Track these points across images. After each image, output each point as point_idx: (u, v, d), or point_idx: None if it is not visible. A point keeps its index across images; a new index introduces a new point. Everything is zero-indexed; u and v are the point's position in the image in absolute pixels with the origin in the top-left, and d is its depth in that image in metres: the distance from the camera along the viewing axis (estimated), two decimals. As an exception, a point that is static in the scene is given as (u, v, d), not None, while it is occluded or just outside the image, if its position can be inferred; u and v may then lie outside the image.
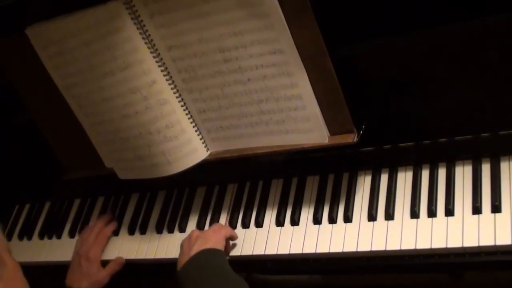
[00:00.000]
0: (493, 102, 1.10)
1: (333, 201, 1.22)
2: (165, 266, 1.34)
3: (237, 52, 1.10)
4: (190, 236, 1.23)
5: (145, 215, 1.42)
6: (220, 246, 1.19)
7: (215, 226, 1.26)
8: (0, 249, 0.95)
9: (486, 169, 1.12)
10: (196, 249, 1.17)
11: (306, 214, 1.23)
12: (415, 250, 1.09)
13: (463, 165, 1.15)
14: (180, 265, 1.18)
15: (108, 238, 1.41)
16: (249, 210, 1.29)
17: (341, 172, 1.25)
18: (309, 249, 1.18)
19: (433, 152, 1.17)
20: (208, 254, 1.16)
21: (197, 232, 1.24)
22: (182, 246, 1.23)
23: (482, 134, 1.11)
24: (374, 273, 1.17)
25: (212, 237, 1.20)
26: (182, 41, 1.14)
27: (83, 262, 1.34)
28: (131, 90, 1.19)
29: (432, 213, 1.11)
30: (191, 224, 1.34)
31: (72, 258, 1.38)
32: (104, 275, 1.34)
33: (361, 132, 1.13)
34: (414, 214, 1.13)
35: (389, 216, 1.15)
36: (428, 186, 1.15)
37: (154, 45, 1.16)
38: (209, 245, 1.18)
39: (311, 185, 1.27)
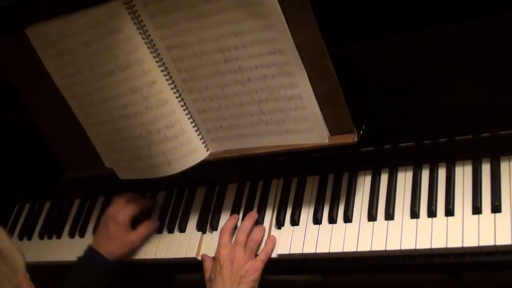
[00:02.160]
0: (493, 102, 1.10)
1: (333, 201, 1.22)
2: (165, 266, 1.34)
3: (237, 52, 1.10)
4: (231, 258, 1.18)
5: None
6: (256, 285, 1.17)
7: (260, 260, 1.19)
8: (19, 275, 0.91)
9: (486, 169, 1.12)
10: None
11: (306, 214, 1.23)
12: (415, 250, 1.09)
13: (463, 165, 1.15)
14: None
15: (141, 211, 1.36)
16: (249, 210, 1.29)
17: (341, 172, 1.25)
18: (309, 249, 1.18)
19: (433, 152, 1.17)
20: None
21: (239, 257, 1.18)
22: (220, 262, 1.19)
23: (482, 134, 1.11)
24: (374, 273, 1.17)
25: (251, 279, 1.16)
26: (182, 41, 1.14)
27: (110, 223, 1.31)
28: (131, 90, 1.19)
29: (432, 213, 1.11)
30: (191, 224, 1.34)
31: (101, 220, 1.36)
32: (133, 238, 1.31)
33: (361, 132, 1.13)
34: (414, 214, 1.13)
35: (389, 216, 1.15)
36: (428, 186, 1.15)
37: (154, 45, 1.16)
38: None
39: (311, 185, 1.27)
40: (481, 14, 1.04)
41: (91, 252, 1.31)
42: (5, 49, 1.28)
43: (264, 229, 1.24)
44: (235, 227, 1.26)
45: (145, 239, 1.36)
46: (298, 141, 1.16)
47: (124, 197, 1.35)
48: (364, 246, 1.13)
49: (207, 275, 1.21)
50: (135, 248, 1.33)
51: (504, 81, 1.08)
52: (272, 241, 1.22)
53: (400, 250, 1.10)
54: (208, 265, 1.22)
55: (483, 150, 1.13)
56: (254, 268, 1.17)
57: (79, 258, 1.33)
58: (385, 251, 1.11)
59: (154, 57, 1.17)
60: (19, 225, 1.59)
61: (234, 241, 1.22)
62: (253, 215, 1.25)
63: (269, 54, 1.08)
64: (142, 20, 1.14)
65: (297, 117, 1.14)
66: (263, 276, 1.18)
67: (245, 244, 1.20)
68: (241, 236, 1.21)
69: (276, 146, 1.19)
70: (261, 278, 1.18)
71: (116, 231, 1.30)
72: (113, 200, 1.37)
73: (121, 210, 1.32)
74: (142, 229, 1.33)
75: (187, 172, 1.24)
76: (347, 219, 1.18)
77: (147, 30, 1.15)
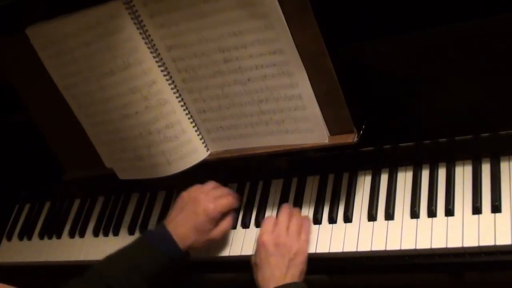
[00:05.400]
0: (493, 102, 1.10)
1: (333, 201, 1.22)
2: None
3: (237, 52, 1.10)
4: (277, 241, 1.13)
5: (145, 215, 1.42)
6: (305, 267, 1.14)
7: (304, 241, 1.15)
8: None
9: (486, 169, 1.12)
10: (290, 277, 1.10)
11: (306, 214, 1.23)
12: (415, 250, 1.09)
13: (463, 165, 1.15)
14: (267, 282, 1.10)
15: (228, 210, 1.23)
16: (249, 210, 1.29)
17: (341, 172, 1.25)
18: (309, 249, 1.18)
19: (433, 152, 1.17)
20: None
21: (285, 240, 1.14)
22: (265, 245, 1.13)
23: (482, 134, 1.11)
24: (374, 273, 1.17)
25: (301, 261, 1.13)
26: (182, 41, 1.14)
27: (201, 214, 1.17)
28: (131, 90, 1.19)
29: (432, 213, 1.11)
30: (191, 224, 1.34)
31: (184, 196, 1.22)
32: (216, 234, 1.19)
33: (361, 132, 1.13)
34: (414, 214, 1.13)
35: (389, 216, 1.15)
36: (428, 186, 1.15)
37: (154, 45, 1.16)
38: (298, 274, 1.11)
39: (311, 185, 1.27)
40: (481, 14, 1.04)
41: (164, 234, 1.16)
42: (5, 49, 1.28)
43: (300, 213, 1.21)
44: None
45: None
46: (298, 141, 1.16)
47: (220, 189, 1.24)
48: (364, 246, 1.13)
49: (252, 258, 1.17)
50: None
51: (504, 81, 1.08)
52: (308, 219, 1.19)
53: (400, 250, 1.10)
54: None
55: (483, 150, 1.13)
56: (302, 250, 1.14)
57: (145, 235, 1.19)
58: (385, 251, 1.11)
59: (154, 57, 1.17)
60: (19, 225, 1.59)
61: (276, 225, 1.18)
62: (288, 205, 1.23)
63: (269, 54, 1.08)
64: (142, 20, 1.14)
65: (297, 117, 1.14)
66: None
67: (287, 228, 1.17)
68: (283, 219, 1.18)
69: (276, 146, 1.19)
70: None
71: (204, 224, 1.17)
72: (206, 186, 1.23)
73: (216, 204, 1.19)
74: (224, 225, 1.21)
75: (187, 172, 1.24)
76: (347, 219, 1.18)
77: (147, 30, 1.15)
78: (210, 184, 1.25)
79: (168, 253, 1.15)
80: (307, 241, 1.17)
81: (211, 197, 1.20)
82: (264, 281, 1.11)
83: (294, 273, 1.11)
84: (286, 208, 1.22)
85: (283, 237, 1.15)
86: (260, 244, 1.16)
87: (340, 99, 1.10)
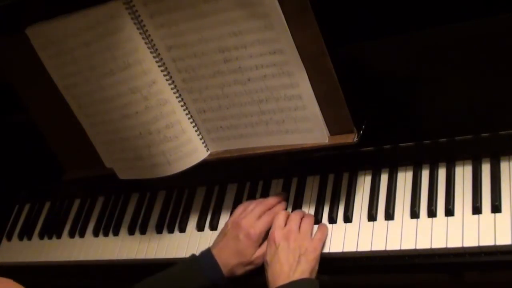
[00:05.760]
0: (493, 102, 1.10)
1: (333, 201, 1.22)
2: (165, 266, 1.34)
3: (237, 52, 1.10)
4: (288, 239, 1.11)
5: (145, 215, 1.42)
6: (317, 266, 1.11)
7: (318, 239, 1.13)
8: None
9: (486, 169, 1.12)
10: (299, 273, 1.07)
11: (306, 214, 1.23)
12: (415, 250, 1.09)
13: (463, 165, 1.15)
14: (276, 278, 1.07)
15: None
16: (249, 210, 1.29)
17: (341, 172, 1.25)
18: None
19: (433, 152, 1.17)
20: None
21: (296, 238, 1.12)
22: (275, 242, 1.12)
23: (482, 134, 1.11)
24: (374, 273, 1.17)
25: (312, 258, 1.11)
26: (182, 41, 1.14)
27: (242, 237, 1.15)
28: (131, 90, 1.19)
29: (432, 213, 1.11)
30: (191, 224, 1.34)
31: (228, 223, 1.21)
32: (258, 256, 1.16)
33: (361, 132, 1.13)
34: (414, 214, 1.13)
35: (389, 216, 1.15)
36: (428, 186, 1.15)
37: (154, 45, 1.16)
38: (309, 270, 1.08)
39: (311, 185, 1.27)
40: (481, 14, 1.04)
41: (210, 259, 1.16)
42: (5, 49, 1.28)
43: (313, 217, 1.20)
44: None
45: (145, 239, 1.36)
46: (298, 141, 1.16)
47: (261, 205, 1.21)
48: (364, 246, 1.13)
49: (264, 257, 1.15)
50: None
51: (504, 81, 1.08)
52: (325, 226, 1.18)
53: (400, 250, 1.10)
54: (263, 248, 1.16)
55: (483, 150, 1.13)
56: (313, 246, 1.12)
57: (191, 260, 1.19)
58: (385, 251, 1.11)
59: (154, 57, 1.17)
60: (19, 225, 1.59)
61: (288, 221, 1.17)
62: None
63: (269, 54, 1.08)
64: (142, 20, 1.14)
65: (297, 117, 1.14)
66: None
67: (299, 227, 1.16)
68: (295, 217, 1.17)
69: (276, 146, 1.19)
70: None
71: (246, 248, 1.15)
72: (246, 206, 1.22)
73: (255, 228, 1.17)
74: (264, 249, 1.17)
75: (187, 172, 1.24)
76: (347, 219, 1.18)
77: (147, 30, 1.15)
78: (253, 203, 1.23)
79: (212, 279, 1.15)
80: (321, 240, 1.15)
81: (253, 219, 1.18)
82: (273, 277, 1.09)
83: (305, 270, 1.09)
84: (299, 211, 1.22)
85: (294, 233, 1.14)
86: (270, 239, 1.15)
87: (340, 99, 1.10)
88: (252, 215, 1.19)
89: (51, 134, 1.39)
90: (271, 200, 1.24)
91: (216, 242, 1.20)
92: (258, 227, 1.17)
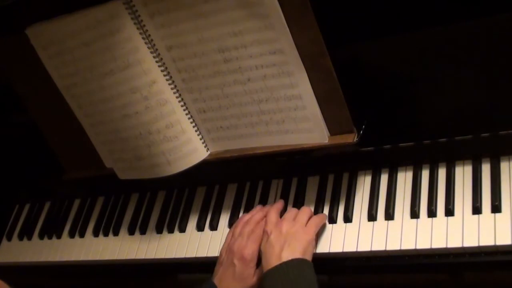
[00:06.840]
0: (493, 102, 1.10)
1: (333, 201, 1.22)
2: (165, 266, 1.34)
3: (237, 52, 1.10)
4: (279, 227, 1.12)
5: (145, 215, 1.42)
6: (311, 249, 1.11)
7: (309, 220, 1.14)
8: None
9: (486, 169, 1.12)
10: (286, 254, 1.07)
11: (306, 214, 1.23)
12: (415, 250, 1.09)
13: (463, 165, 1.15)
14: (268, 261, 1.08)
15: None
16: (248, 210, 1.29)
17: (341, 172, 1.25)
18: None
19: (433, 152, 1.17)
20: (299, 269, 1.06)
21: (288, 225, 1.12)
22: (268, 233, 1.13)
23: (482, 134, 1.11)
24: (374, 273, 1.17)
25: (304, 238, 1.10)
26: (182, 41, 1.14)
27: (236, 261, 1.14)
28: (131, 90, 1.19)
29: (432, 213, 1.11)
30: (191, 224, 1.34)
31: (222, 252, 1.20)
32: (259, 277, 1.13)
33: (361, 132, 1.13)
34: (414, 214, 1.13)
35: (389, 216, 1.15)
36: (428, 186, 1.15)
37: (154, 45, 1.16)
38: (301, 250, 1.08)
39: (311, 185, 1.27)
40: (481, 14, 1.04)
41: None
42: (5, 49, 1.28)
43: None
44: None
45: (145, 239, 1.36)
46: (298, 141, 1.16)
47: (248, 225, 1.19)
48: (364, 246, 1.13)
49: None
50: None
51: (504, 81, 1.08)
52: (324, 214, 1.18)
53: (400, 250, 1.10)
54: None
55: (483, 150, 1.13)
56: (306, 229, 1.12)
57: None
58: (385, 251, 1.11)
59: (154, 57, 1.17)
60: (19, 225, 1.59)
61: (285, 214, 1.18)
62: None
63: (269, 54, 1.08)
64: (142, 20, 1.14)
65: (297, 117, 1.14)
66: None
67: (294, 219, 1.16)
68: (291, 209, 1.18)
69: (276, 146, 1.19)
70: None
71: (243, 270, 1.13)
72: (234, 230, 1.21)
73: (248, 245, 1.15)
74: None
75: (187, 172, 1.24)
76: (347, 219, 1.18)
77: (147, 30, 1.15)
78: (239, 225, 1.21)
79: None
80: (316, 225, 1.15)
81: (244, 240, 1.16)
82: (266, 260, 1.09)
83: (295, 248, 1.08)
84: (296, 209, 1.21)
85: (288, 220, 1.15)
86: (263, 232, 1.16)
87: (340, 99, 1.10)
88: (243, 237, 1.18)
89: (51, 134, 1.39)
90: (257, 216, 1.21)
91: (215, 272, 1.18)
92: (250, 247, 1.15)
